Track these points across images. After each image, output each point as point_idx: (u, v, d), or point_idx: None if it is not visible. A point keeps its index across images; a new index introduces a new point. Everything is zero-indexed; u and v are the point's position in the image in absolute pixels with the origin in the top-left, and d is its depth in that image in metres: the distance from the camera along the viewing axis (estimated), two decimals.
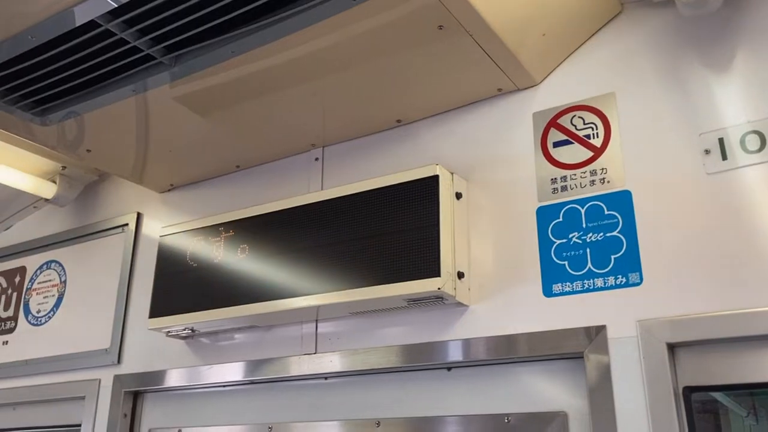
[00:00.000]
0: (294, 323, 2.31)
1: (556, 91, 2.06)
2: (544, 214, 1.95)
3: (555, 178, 1.96)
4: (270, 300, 2.19)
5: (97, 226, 3.02)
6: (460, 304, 1.99)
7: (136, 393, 2.68)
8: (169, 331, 2.44)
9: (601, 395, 1.73)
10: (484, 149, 2.12)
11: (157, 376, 2.57)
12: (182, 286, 2.41)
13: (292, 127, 2.38)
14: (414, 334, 2.07)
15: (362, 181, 2.12)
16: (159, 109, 2.24)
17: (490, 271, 1.99)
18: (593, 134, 1.94)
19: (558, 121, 2.01)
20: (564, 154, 1.97)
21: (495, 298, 1.97)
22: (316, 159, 2.48)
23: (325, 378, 2.26)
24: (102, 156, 2.57)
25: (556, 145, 2.00)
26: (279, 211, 2.29)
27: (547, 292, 1.88)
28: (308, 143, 2.48)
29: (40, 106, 2.23)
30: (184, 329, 2.41)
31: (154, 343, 2.63)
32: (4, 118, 2.29)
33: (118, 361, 2.71)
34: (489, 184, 2.07)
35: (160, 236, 2.54)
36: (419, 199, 1.98)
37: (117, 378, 2.67)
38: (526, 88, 2.11)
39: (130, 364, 2.68)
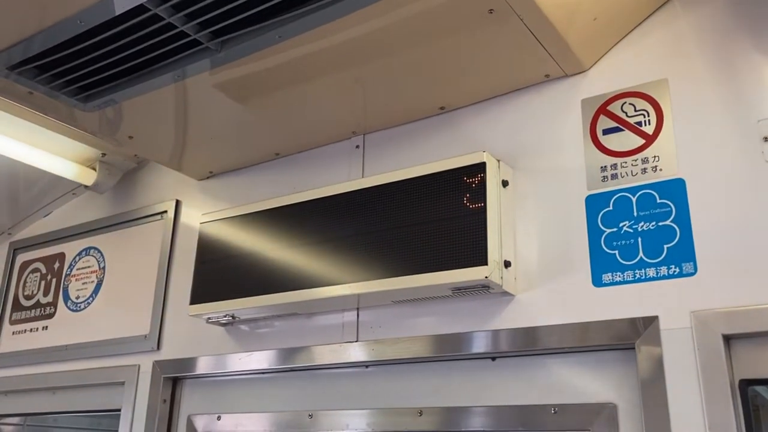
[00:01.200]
0: (335, 311, 2.30)
1: (605, 77, 2.01)
2: (594, 203, 1.91)
3: (605, 166, 1.92)
4: (310, 288, 2.19)
5: (136, 213, 3.03)
6: (505, 294, 1.97)
7: (175, 379, 2.69)
8: (209, 318, 2.45)
9: (653, 387, 1.69)
10: (530, 137, 2.08)
11: (196, 363, 2.58)
12: (223, 273, 2.41)
13: (332, 114, 2.37)
14: (457, 324, 2.05)
15: (406, 168, 2.09)
16: (199, 96, 2.24)
17: (537, 260, 1.96)
18: (645, 121, 1.90)
19: (608, 108, 1.97)
20: (614, 142, 1.93)
21: (542, 287, 1.94)
22: (357, 146, 2.46)
23: (366, 366, 2.25)
24: (143, 142, 2.58)
25: (606, 132, 1.95)
26: (319, 198, 2.28)
27: (597, 282, 1.85)
28: (349, 130, 2.46)
29: (84, 93, 2.24)
30: (225, 316, 2.41)
31: (193, 330, 2.64)
32: (48, 103, 2.31)
33: (158, 348, 2.72)
34: (536, 172, 2.04)
35: (201, 223, 2.54)
36: (466, 187, 1.96)
37: (156, 364, 2.69)
38: (574, 75, 2.06)
39: (170, 351, 2.70)
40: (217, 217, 2.51)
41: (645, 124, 1.90)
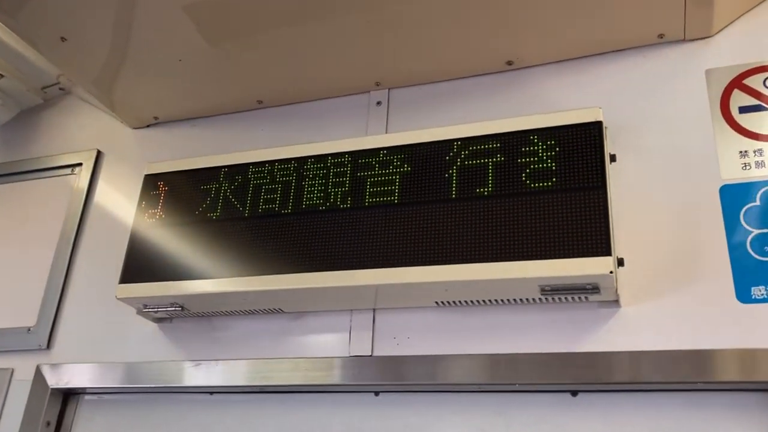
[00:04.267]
0: (338, 311, 1.66)
1: (736, 46, 1.60)
2: (732, 195, 1.45)
3: (745, 151, 1.48)
4: (304, 273, 1.55)
5: (37, 164, 2.23)
6: (606, 303, 1.44)
7: (67, 393, 1.89)
8: (145, 306, 1.71)
9: None
10: (637, 107, 1.61)
11: (107, 371, 1.81)
12: (174, 244, 1.70)
13: (347, 60, 1.80)
14: (526, 340, 1.49)
15: (477, 122, 1.55)
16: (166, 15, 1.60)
17: (651, 263, 1.45)
18: None
19: (744, 81, 1.55)
20: (756, 123, 1.50)
21: (657, 299, 1.43)
22: (378, 103, 1.88)
23: (376, 393, 1.61)
24: (78, 52, 1.84)
25: (743, 110, 1.52)
26: (332, 154, 1.66)
27: (744, 297, 1.37)
28: (370, 81, 1.88)
29: None
30: (171, 305, 1.68)
31: (105, 325, 1.88)
32: None
33: (47, 346, 1.91)
34: (648, 150, 1.56)
35: (147, 174, 1.82)
36: (572, 151, 1.43)
37: (42, 369, 1.88)
38: (695, 40, 1.63)
39: (65, 352, 1.90)
40: (173, 168, 1.80)
41: None
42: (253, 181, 1.70)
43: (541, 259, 1.36)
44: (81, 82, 1.97)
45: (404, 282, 1.47)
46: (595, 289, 1.36)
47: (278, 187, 1.67)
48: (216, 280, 1.62)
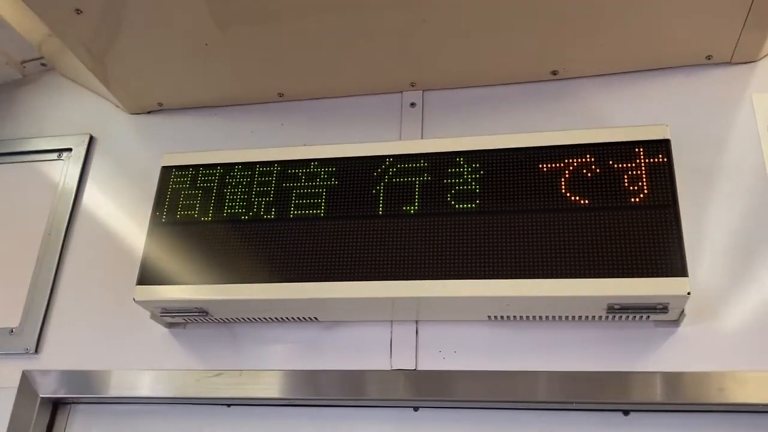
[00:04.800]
0: (378, 321, 1.57)
1: None
2: None
3: None
4: (343, 281, 1.46)
5: (14, 146, 2.01)
6: (662, 323, 1.43)
7: (57, 402, 1.71)
8: (165, 309, 1.56)
9: None
10: (685, 126, 1.61)
11: (107, 379, 1.65)
12: (201, 244, 1.57)
13: (381, 57, 1.72)
14: (578, 358, 1.46)
15: (537, 132, 1.51)
16: None
17: (711, 284, 1.45)
18: None
19: None
20: None
21: (716, 321, 1.43)
22: (412, 104, 1.80)
23: (415, 409, 1.54)
24: (86, 23, 1.66)
25: None
26: (374, 156, 1.58)
27: None
28: (405, 81, 1.80)
29: None
30: (195, 309, 1.55)
31: (104, 327, 1.71)
32: None
33: (35, 350, 1.72)
34: (699, 169, 1.56)
35: (164, 167, 1.67)
36: (636, 168, 1.41)
37: (29, 375, 1.69)
38: (741, 63, 1.66)
39: (56, 357, 1.72)
40: (196, 162, 1.66)
41: None
42: (290, 181, 1.59)
43: (615, 277, 1.33)
44: (83, 60, 1.78)
45: (477, 296, 1.40)
46: (663, 309, 1.35)
47: (321, 190, 1.56)
48: (249, 286, 1.50)
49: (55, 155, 1.97)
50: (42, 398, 1.66)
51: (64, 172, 1.93)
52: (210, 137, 1.89)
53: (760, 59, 1.65)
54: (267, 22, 1.62)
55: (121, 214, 1.85)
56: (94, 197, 1.89)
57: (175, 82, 1.87)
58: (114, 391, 1.64)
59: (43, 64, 2.11)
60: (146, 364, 1.64)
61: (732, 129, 1.59)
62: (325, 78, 1.81)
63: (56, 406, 1.71)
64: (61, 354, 1.71)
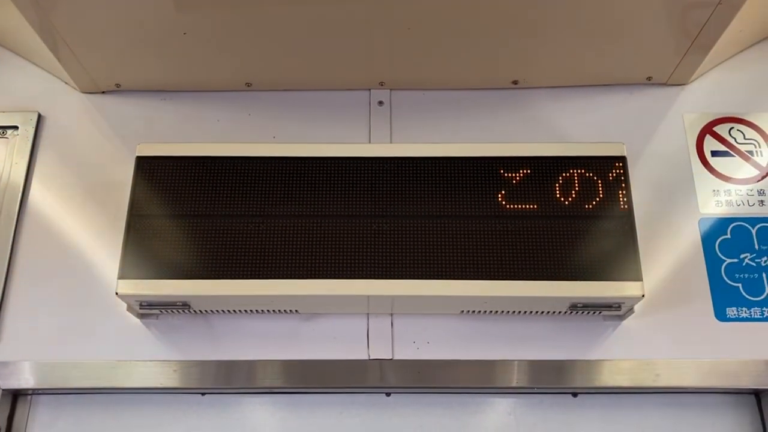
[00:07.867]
0: (355, 314, 1.67)
1: (707, 95, 1.86)
2: (709, 227, 1.72)
3: (717, 190, 1.76)
4: (331, 279, 1.54)
5: None
6: (611, 317, 1.64)
7: (17, 394, 1.67)
8: (145, 302, 1.57)
9: None
10: (625, 139, 1.79)
11: (75, 370, 1.63)
12: (184, 239, 1.58)
13: (351, 54, 1.77)
14: (536, 348, 1.64)
15: (515, 143, 1.64)
16: None
17: (650, 284, 1.67)
18: (756, 151, 1.79)
19: (714, 129, 1.82)
20: (725, 167, 1.78)
21: (652, 315, 1.65)
22: (380, 103, 1.88)
23: (387, 394, 1.66)
24: None
25: (715, 154, 1.80)
26: (358, 158, 1.65)
27: (721, 316, 1.64)
28: (374, 80, 1.87)
29: None
30: (178, 302, 1.57)
31: (68, 317, 1.68)
32: None
33: None
34: (635, 180, 1.76)
35: (139, 157, 1.65)
36: (594, 181, 1.59)
37: None
38: (674, 85, 1.87)
39: (17, 347, 1.66)
40: (172, 153, 1.65)
41: (757, 155, 1.79)
42: (271, 176, 1.63)
43: (579, 280, 1.51)
44: (35, 27, 1.67)
45: (454, 295, 1.52)
46: (618, 307, 1.55)
47: (301, 189, 1.61)
48: (236, 282, 1.53)
49: (1, 132, 1.86)
50: (2, 391, 1.62)
51: (11, 151, 1.84)
52: (173, 123, 1.87)
53: (691, 82, 1.88)
54: (232, 7, 1.59)
55: (74, 196, 1.79)
56: (45, 180, 1.82)
57: (137, 62, 1.81)
58: (77, 382, 1.63)
59: None
60: (113, 355, 1.64)
61: (666, 144, 1.81)
62: (295, 70, 1.84)
63: (16, 397, 1.67)
64: (20, 345, 1.66)
